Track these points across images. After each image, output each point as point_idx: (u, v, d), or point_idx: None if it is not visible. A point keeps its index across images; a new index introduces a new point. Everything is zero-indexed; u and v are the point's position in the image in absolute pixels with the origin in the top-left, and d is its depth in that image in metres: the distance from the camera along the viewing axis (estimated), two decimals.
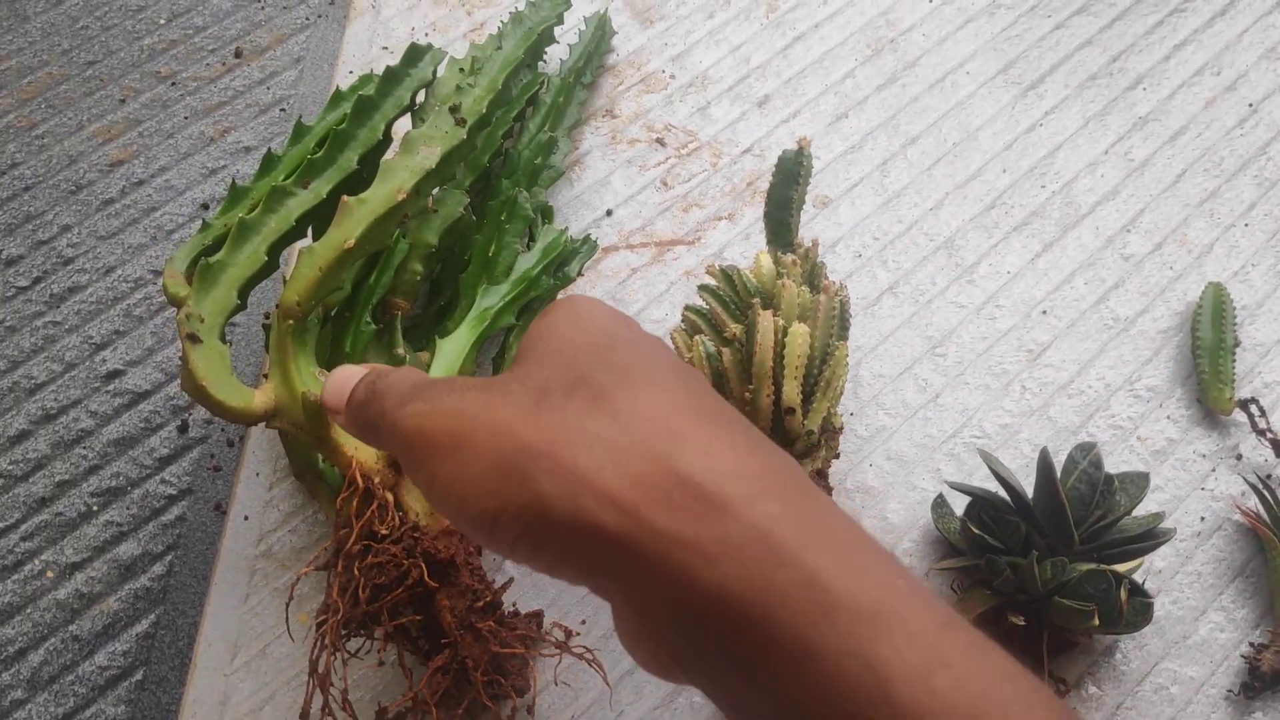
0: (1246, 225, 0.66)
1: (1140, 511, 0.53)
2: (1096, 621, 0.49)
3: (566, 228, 0.61)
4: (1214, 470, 0.59)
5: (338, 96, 0.57)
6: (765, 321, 0.53)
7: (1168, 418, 0.60)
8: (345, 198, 0.47)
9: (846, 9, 0.76)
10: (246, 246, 0.49)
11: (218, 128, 0.71)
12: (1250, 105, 0.71)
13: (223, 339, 0.48)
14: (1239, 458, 0.59)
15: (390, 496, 0.45)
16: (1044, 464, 0.50)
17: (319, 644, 0.43)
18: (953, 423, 0.60)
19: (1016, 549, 0.51)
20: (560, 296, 0.64)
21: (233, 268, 0.48)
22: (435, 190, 0.59)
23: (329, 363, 0.52)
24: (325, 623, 0.43)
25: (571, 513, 0.29)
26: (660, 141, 0.70)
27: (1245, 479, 0.58)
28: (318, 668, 0.42)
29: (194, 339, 0.46)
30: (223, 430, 0.60)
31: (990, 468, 0.53)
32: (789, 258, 0.56)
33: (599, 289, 0.64)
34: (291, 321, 0.46)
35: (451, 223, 0.59)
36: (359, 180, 0.52)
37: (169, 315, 0.64)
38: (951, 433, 0.60)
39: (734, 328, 0.54)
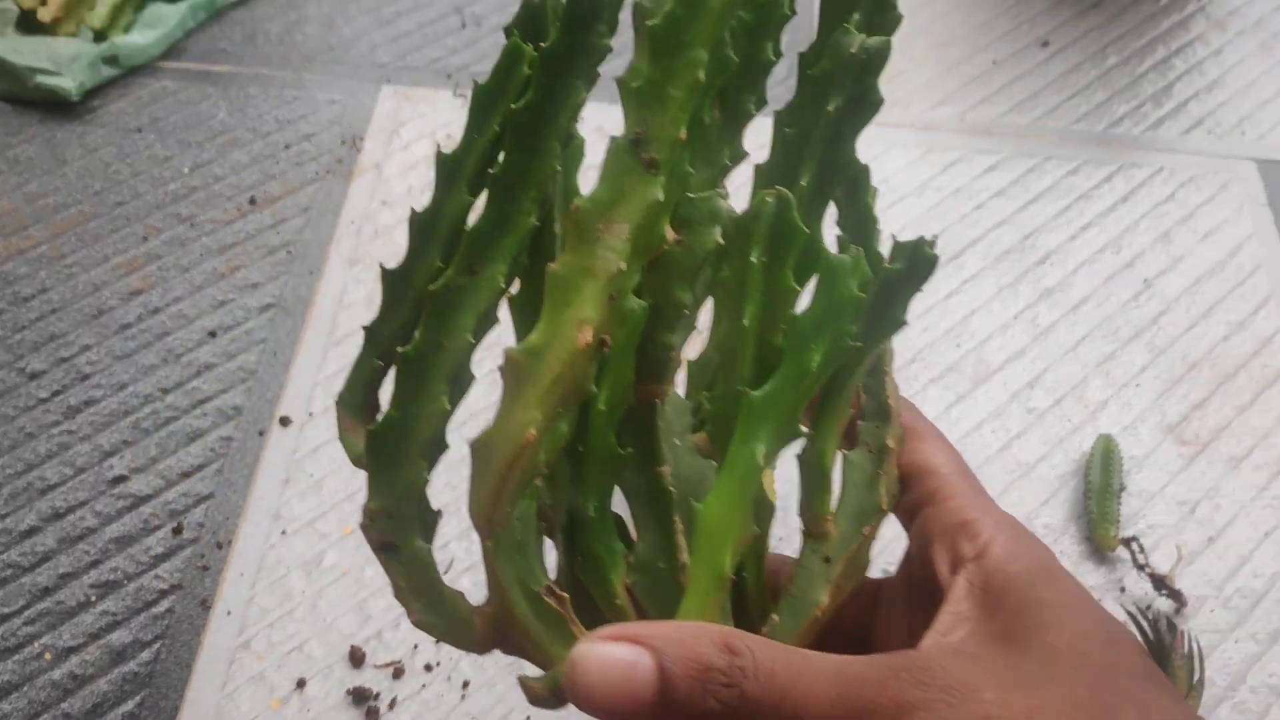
0: (1138, 385, 0.75)
1: None
2: None
3: (867, 243, 0.39)
4: (1100, 600, 0.65)
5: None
6: None
7: (1061, 552, 0.67)
8: (508, 351, 0.32)
9: None
10: (422, 394, 0.34)
11: (229, 265, 0.80)
12: (1145, 281, 0.80)
13: (425, 536, 0.36)
14: (1122, 590, 0.66)
15: None
16: None
17: None
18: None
19: None
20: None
21: (413, 427, 0.34)
22: (676, 209, 0.34)
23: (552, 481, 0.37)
24: None
25: None
26: None
27: (1126, 609, 0.64)
28: None
29: (389, 549, 0.35)
30: (213, 534, 0.67)
31: None
32: None
33: None
34: (490, 542, 0.34)
35: (709, 254, 0.35)
36: (542, 239, 0.36)
37: (173, 429, 0.71)
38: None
39: None
